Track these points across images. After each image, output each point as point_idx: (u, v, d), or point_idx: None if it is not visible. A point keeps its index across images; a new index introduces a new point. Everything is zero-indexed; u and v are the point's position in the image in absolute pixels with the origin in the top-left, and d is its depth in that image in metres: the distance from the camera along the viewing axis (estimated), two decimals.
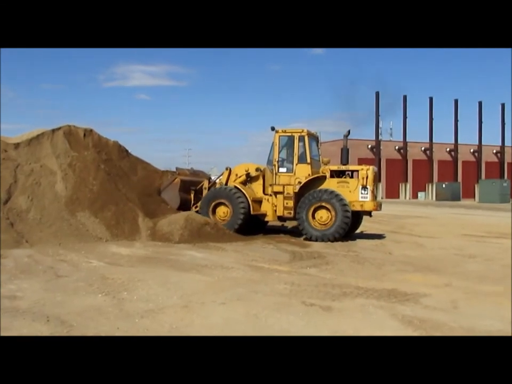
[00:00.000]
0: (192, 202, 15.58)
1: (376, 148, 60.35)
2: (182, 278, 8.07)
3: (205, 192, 15.36)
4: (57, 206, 12.54)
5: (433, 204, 43.86)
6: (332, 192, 13.74)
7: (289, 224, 16.00)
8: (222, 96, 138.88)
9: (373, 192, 14.06)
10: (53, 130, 14.21)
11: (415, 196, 60.22)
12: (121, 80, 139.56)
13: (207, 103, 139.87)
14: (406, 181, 61.07)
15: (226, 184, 15.11)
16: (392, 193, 60.34)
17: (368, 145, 60.99)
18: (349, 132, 15.20)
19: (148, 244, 11.89)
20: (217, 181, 15.73)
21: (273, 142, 14.65)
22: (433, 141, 62.51)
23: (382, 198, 57.77)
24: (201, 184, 15.72)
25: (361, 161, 56.52)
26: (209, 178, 16.08)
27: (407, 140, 61.69)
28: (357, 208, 13.95)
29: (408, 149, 61.50)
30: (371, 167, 14.43)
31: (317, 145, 15.58)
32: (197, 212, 14.71)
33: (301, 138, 14.53)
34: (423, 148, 62.76)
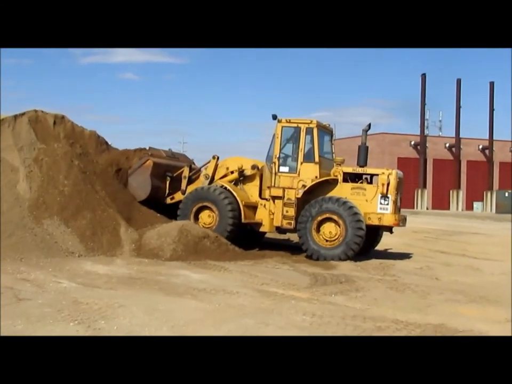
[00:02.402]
0: (167, 191, 15.69)
1: (421, 145, 60.27)
2: (173, 305, 8.10)
3: (184, 182, 15.51)
4: (18, 212, 12.64)
5: (493, 217, 43.62)
6: (341, 200, 13.73)
7: (295, 238, 15.88)
8: (231, 78, 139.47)
9: (395, 202, 14.10)
10: (15, 117, 14.33)
11: (469, 206, 60.01)
12: (102, 55, 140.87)
13: (211, 87, 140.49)
14: (459, 187, 60.86)
15: (213, 176, 15.27)
16: (441, 202, 60.18)
17: (411, 142, 60.92)
18: (369, 125, 15.28)
19: (131, 261, 11.95)
20: (203, 169, 15.82)
21: (274, 134, 14.75)
22: (494, 137, 62.29)
23: (427, 209, 57.67)
24: (180, 170, 15.82)
25: (402, 161, 57.05)
26: (190, 165, 16.11)
27: (461, 136, 61.53)
28: (374, 222, 13.99)
29: (461, 147, 61.34)
30: (394, 171, 14.47)
31: (330, 141, 15.68)
32: (170, 204, 15.22)
33: (309, 131, 14.54)
34: (481, 146, 62.56)
